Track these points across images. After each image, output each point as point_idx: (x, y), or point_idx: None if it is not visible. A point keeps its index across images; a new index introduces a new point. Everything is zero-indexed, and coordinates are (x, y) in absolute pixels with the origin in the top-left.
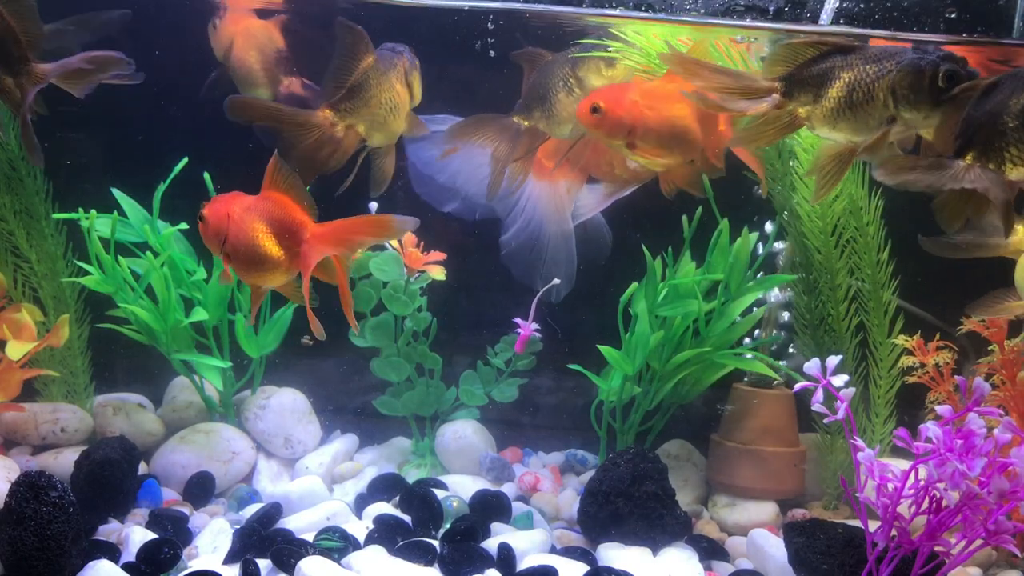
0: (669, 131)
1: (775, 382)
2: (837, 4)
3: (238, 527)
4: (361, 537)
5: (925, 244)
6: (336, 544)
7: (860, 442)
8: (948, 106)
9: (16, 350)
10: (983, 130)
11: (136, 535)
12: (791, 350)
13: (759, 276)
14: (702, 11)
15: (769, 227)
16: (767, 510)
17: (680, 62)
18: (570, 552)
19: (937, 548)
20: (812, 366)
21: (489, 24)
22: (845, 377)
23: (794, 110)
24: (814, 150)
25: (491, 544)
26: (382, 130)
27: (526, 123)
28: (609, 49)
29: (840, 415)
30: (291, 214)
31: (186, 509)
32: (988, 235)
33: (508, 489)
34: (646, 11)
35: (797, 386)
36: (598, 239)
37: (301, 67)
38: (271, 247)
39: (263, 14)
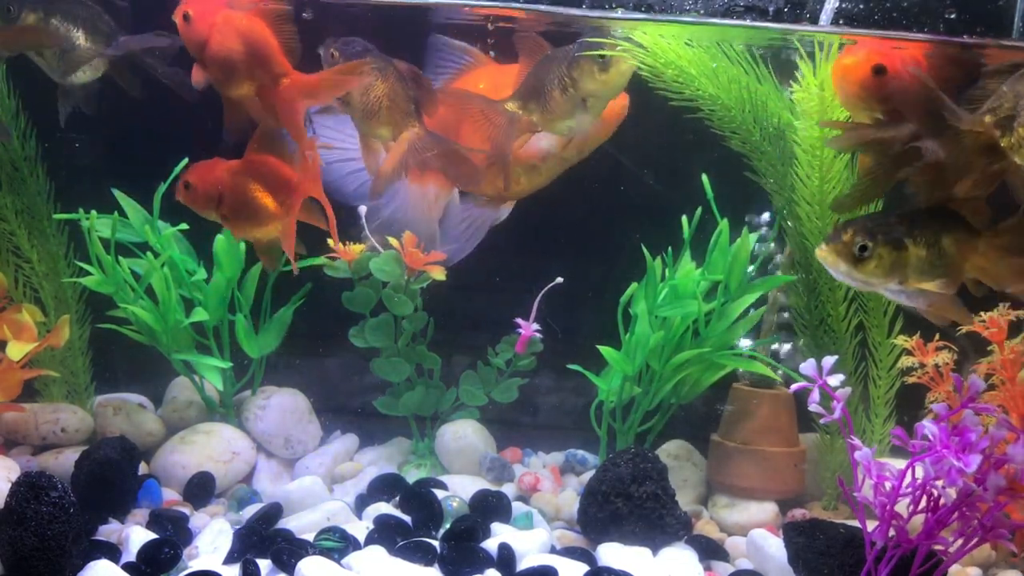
0: (224, 60)
1: (775, 382)
2: (837, 5)
3: (238, 527)
4: (361, 537)
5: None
6: (336, 544)
7: (857, 441)
8: None
9: (17, 350)
10: (1005, 106)
11: (136, 535)
12: (778, 347)
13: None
14: (702, 11)
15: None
16: (767, 510)
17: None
18: (570, 552)
19: (936, 547)
20: (808, 366)
21: (489, 25)
22: (841, 376)
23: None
24: (813, 151)
25: (491, 544)
26: None
27: (520, 113)
28: (617, 48)
29: (836, 415)
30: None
31: (186, 509)
32: None
33: (508, 489)
34: (646, 11)
35: (794, 386)
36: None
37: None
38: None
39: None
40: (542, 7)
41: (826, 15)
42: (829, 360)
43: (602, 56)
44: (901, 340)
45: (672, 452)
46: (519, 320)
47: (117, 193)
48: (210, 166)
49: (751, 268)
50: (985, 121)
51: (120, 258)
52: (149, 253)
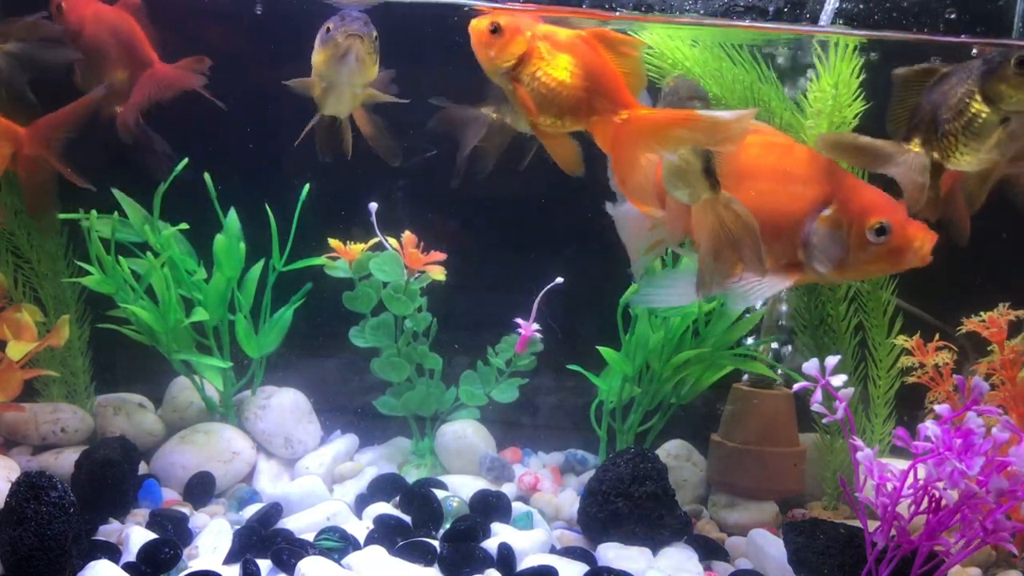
0: (97, 50)
1: (775, 382)
2: (837, 5)
3: (238, 527)
4: (361, 537)
5: None
6: (336, 544)
7: (859, 442)
8: None
9: (16, 350)
10: (926, 119)
11: (136, 535)
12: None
13: None
14: (701, 12)
15: None
16: (767, 510)
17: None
18: (570, 552)
19: (936, 548)
20: (811, 366)
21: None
22: (844, 377)
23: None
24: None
25: (491, 544)
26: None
27: (494, 115)
28: None
29: (839, 415)
30: None
31: (186, 509)
32: None
33: (508, 489)
34: (646, 11)
35: (796, 386)
36: None
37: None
38: None
39: None
40: (542, 7)
41: (826, 15)
42: (832, 360)
43: None
44: (901, 340)
45: (672, 452)
46: (519, 320)
47: (117, 193)
48: None
49: None
50: (915, 145)
51: (120, 258)
52: (149, 253)
